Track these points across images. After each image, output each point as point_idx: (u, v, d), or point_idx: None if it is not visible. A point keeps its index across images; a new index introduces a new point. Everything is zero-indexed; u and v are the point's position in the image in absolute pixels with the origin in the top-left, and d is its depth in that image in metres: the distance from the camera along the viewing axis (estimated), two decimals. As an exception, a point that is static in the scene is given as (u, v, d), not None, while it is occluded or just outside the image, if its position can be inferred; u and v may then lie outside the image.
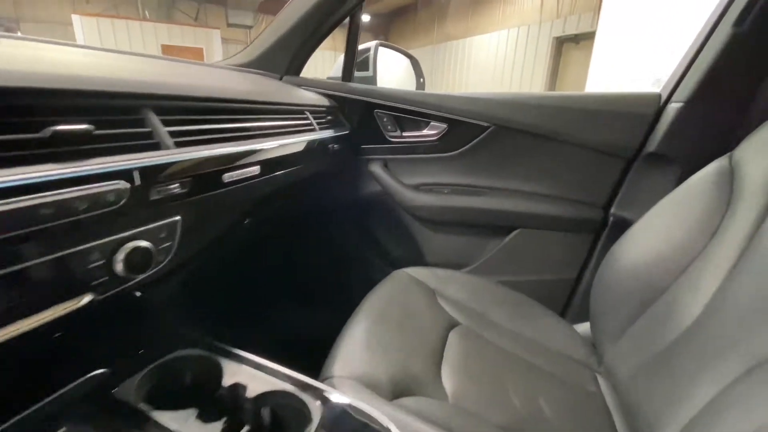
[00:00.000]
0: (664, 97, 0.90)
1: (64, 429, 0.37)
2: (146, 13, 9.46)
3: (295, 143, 0.78)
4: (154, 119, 0.47)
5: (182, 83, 0.57)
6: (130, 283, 0.43)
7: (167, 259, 0.47)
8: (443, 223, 1.12)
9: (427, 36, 11.18)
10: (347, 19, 1.07)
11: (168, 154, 0.45)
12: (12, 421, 0.36)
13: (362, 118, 1.10)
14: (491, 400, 0.61)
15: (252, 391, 0.42)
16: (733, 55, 0.80)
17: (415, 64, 1.42)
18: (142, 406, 0.40)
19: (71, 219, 0.35)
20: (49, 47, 0.55)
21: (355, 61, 1.15)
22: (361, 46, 1.27)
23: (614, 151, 0.96)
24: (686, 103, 0.85)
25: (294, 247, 1.22)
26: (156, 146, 0.45)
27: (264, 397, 0.42)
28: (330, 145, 0.96)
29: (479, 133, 1.04)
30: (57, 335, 0.41)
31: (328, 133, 0.95)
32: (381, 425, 0.39)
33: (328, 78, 1.23)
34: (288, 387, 0.42)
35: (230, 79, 0.83)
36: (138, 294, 0.49)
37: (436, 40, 10.78)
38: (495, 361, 0.69)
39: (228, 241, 0.65)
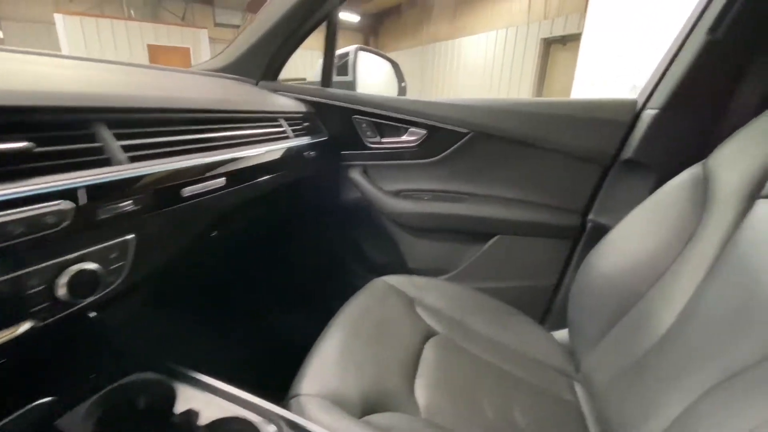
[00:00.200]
0: (640, 103, 0.90)
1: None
2: (131, 12, 9.30)
3: (266, 152, 0.76)
4: (106, 133, 0.45)
5: (142, 95, 0.55)
6: (75, 308, 0.41)
7: (119, 280, 0.45)
8: (424, 229, 1.11)
9: (416, 36, 11.18)
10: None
11: (120, 170, 0.44)
12: None
13: (341, 124, 1.09)
14: (464, 413, 0.60)
15: (205, 418, 0.40)
16: (707, 62, 0.80)
17: (396, 68, 1.41)
18: None
19: (6, 244, 0.33)
20: (2, 56, 0.53)
21: (333, 66, 1.14)
22: (341, 51, 1.26)
23: (592, 157, 0.95)
24: (661, 110, 0.85)
25: (269, 257, 1.20)
26: (107, 162, 0.43)
27: (217, 424, 0.40)
28: (306, 153, 0.94)
29: (458, 139, 1.03)
30: None
31: (303, 140, 0.93)
32: None
33: (309, 81, 1.22)
34: (243, 413, 0.41)
35: (200, 86, 0.81)
36: (90, 316, 0.47)
37: (425, 41, 10.78)
38: (470, 372, 0.69)
39: (192, 255, 0.63)
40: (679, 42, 0.83)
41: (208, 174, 0.58)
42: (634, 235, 0.72)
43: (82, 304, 0.41)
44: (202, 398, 0.42)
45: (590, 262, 0.77)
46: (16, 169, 0.35)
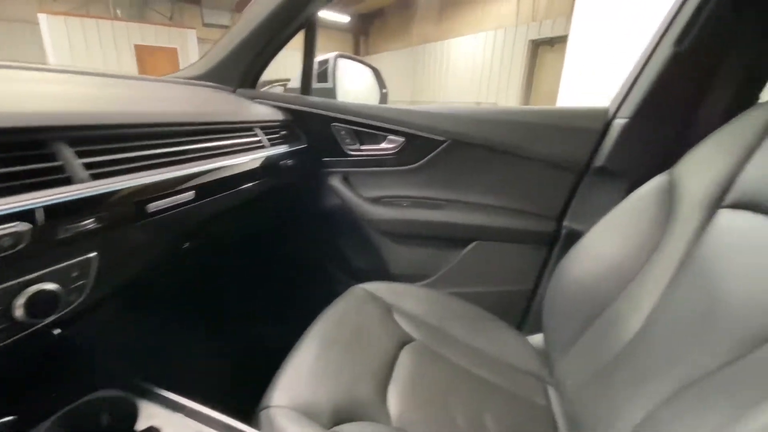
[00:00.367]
0: (611, 112, 0.92)
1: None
2: (118, 12, 9.18)
3: (239, 163, 0.76)
4: (68, 152, 0.45)
5: (108, 111, 0.54)
6: (35, 328, 0.41)
7: (80, 299, 0.45)
8: (404, 235, 1.12)
9: (406, 37, 11.20)
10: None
11: (80, 189, 0.44)
12: None
13: (320, 132, 1.09)
14: (435, 420, 0.61)
15: (166, 436, 0.40)
16: (673, 73, 0.82)
17: (377, 74, 1.41)
18: None
19: None
20: None
21: (312, 73, 1.14)
22: (321, 57, 1.26)
23: (565, 165, 0.97)
24: (630, 120, 0.87)
25: (247, 267, 1.20)
26: (68, 181, 0.43)
27: (178, 442, 0.40)
28: (282, 162, 0.94)
29: (436, 147, 1.04)
30: None
31: (281, 149, 0.93)
32: None
33: (290, 87, 1.22)
34: (205, 429, 0.41)
35: (174, 98, 0.80)
36: (54, 333, 0.47)
37: (415, 42, 10.80)
38: (444, 378, 0.69)
39: (162, 268, 0.63)
40: (647, 54, 0.85)
41: (176, 188, 0.58)
42: (604, 242, 0.73)
43: (42, 324, 0.41)
44: (164, 416, 0.43)
45: (563, 267, 0.78)
46: None
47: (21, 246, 0.37)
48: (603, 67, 3.11)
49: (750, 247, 0.49)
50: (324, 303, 0.79)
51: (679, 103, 0.84)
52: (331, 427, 0.54)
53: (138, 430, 0.41)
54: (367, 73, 1.40)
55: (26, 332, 0.40)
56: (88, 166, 0.46)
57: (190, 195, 0.60)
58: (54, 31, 7.97)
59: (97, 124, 0.50)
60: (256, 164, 0.83)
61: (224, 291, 1.15)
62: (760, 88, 0.82)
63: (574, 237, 0.90)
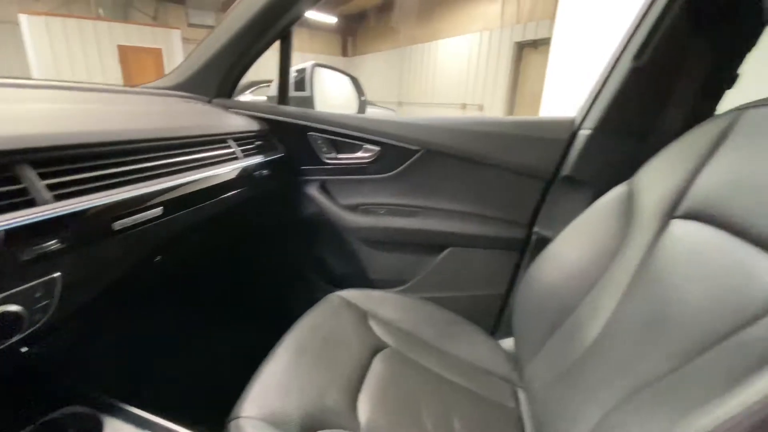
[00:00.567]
0: (577, 123, 0.95)
1: None
2: (100, 11, 9.02)
3: (210, 176, 0.77)
4: (30, 174, 0.45)
5: (72, 131, 0.54)
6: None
7: (44, 318, 0.46)
8: (380, 242, 1.14)
9: (394, 39, 11.21)
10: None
11: (43, 211, 0.44)
12: None
13: (297, 141, 1.10)
14: (404, 426, 0.62)
15: (129, 451, 0.42)
16: (633, 87, 0.85)
17: (355, 83, 1.43)
18: None
19: None
20: None
21: (289, 83, 1.15)
22: (298, 66, 1.27)
23: (534, 173, 1.00)
24: (594, 131, 0.90)
25: (223, 278, 1.20)
26: (32, 203, 0.44)
27: (141, 457, 0.42)
28: (257, 172, 0.95)
29: (410, 156, 1.06)
30: None
31: (255, 160, 0.94)
32: None
33: (268, 97, 1.23)
34: (167, 444, 0.43)
35: (146, 112, 0.80)
36: (22, 351, 0.47)
37: (403, 43, 10.83)
38: (415, 384, 0.71)
39: (133, 282, 0.64)
40: (609, 68, 0.88)
41: (142, 205, 0.58)
42: (569, 249, 0.76)
43: (6, 345, 0.42)
44: (129, 431, 0.44)
45: (532, 273, 0.81)
46: None
47: None
48: (584, 68, 3.17)
49: (699, 256, 0.51)
50: (303, 311, 0.80)
51: (639, 115, 0.87)
52: None
53: (101, 445, 0.42)
54: (345, 81, 1.41)
55: None
56: (52, 187, 0.47)
57: (158, 211, 0.61)
58: (35, 32, 7.80)
59: (61, 144, 0.50)
60: (230, 176, 0.84)
61: (200, 302, 1.15)
62: (716, 101, 0.86)
63: (543, 243, 0.92)
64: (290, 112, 1.09)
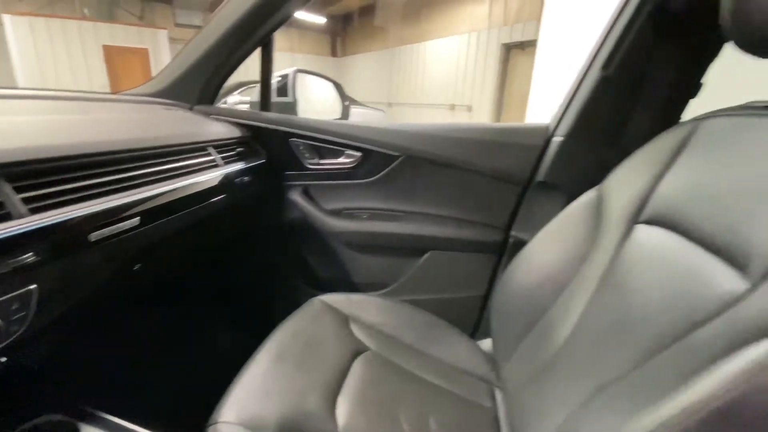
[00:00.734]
0: (550, 129, 0.98)
1: None
2: (85, 11, 8.88)
3: (189, 184, 0.77)
4: (6, 188, 0.46)
5: (48, 144, 0.55)
6: None
7: (21, 330, 0.47)
8: (363, 246, 1.16)
9: (383, 39, 11.22)
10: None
11: (19, 224, 0.45)
12: None
13: (279, 147, 1.12)
14: (381, 427, 0.63)
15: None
16: (602, 95, 0.88)
17: (338, 88, 1.44)
18: None
19: None
20: None
21: (270, 89, 1.17)
22: (280, 72, 1.29)
23: (511, 178, 1.02)
24: (566, 138, 0.93)
25: (208, 282, 1.21)
26: (8, 217, 0.45)
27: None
28: (239, 179, 0.96)
29: (392, 161, 1.08)
30: None
31: (236, 166, 0.95)
32: None
33: (251, 103, 1.24)
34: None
35: (125, 121, 0.81)
36: (1, 361, 0.48)
37: (392, 44, 10.85)
38: (394, 386, 0.72)
39: (110, 291, 0.64)
40: (580, 77, 0.91)
41: (120, 215, 0.59)
42: (542, 252, 0.78)
43: None
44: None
45: (507, 275, 0.83)
46: None
47: None
48: (570, 70, 3.23)
49: (659, 261, 0.53)
50: (286, 315, 0.81)
51: (607, 122, 0.91)
52: None
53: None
54: (329, 86, 1.42)
55: None
56: (28, 200, 0.48)
57: (135, 221, 0.62)
58: (18, 33, 7.67)
59: (37, 158, 0.51)
60: (210, 184, 0.84)
61: (182, 308, 1.15)
62: (681, 108, 0.89)
63: (520, 246, 0.94)
64: (272, 118, 1.10)
